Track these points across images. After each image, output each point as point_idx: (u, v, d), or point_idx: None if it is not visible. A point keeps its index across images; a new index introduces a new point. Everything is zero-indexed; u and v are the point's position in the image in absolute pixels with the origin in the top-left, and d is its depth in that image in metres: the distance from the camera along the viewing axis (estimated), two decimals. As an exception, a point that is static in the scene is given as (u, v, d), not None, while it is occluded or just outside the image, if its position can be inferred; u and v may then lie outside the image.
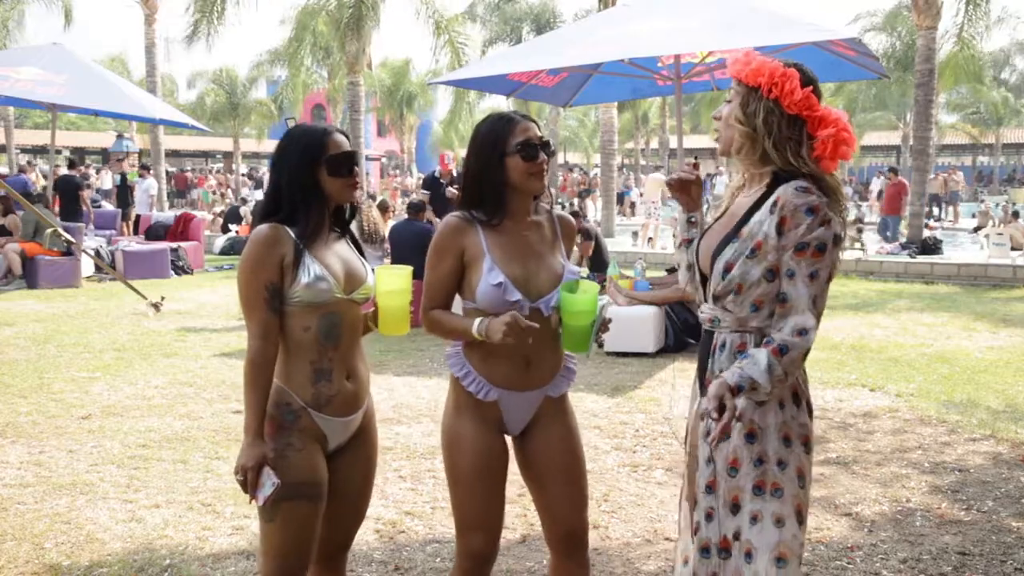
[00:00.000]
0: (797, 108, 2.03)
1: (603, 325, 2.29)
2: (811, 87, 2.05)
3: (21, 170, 22.20)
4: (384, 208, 10.19)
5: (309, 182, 2.20)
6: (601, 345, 2.36)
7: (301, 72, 27.84)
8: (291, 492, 2.13)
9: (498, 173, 2.27)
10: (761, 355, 1.98)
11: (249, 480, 2.10)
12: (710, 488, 2.12)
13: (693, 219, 2.36)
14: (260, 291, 2.14)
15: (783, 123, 2.05)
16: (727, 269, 2.06)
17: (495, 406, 2.32)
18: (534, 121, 2.33)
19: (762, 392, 1.98)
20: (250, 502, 2.13)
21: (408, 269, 2.34)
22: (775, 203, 2.01)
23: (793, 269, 2.00)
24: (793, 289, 2.00)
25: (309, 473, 2.18)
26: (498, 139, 2.26)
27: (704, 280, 2.20)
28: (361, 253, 2.39)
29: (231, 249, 16.11)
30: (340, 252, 2.29)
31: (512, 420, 2.36)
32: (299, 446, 2.18)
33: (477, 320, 2.23)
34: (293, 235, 2.17)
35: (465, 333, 2.26)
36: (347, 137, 2.28)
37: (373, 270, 2.38)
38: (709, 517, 2.12)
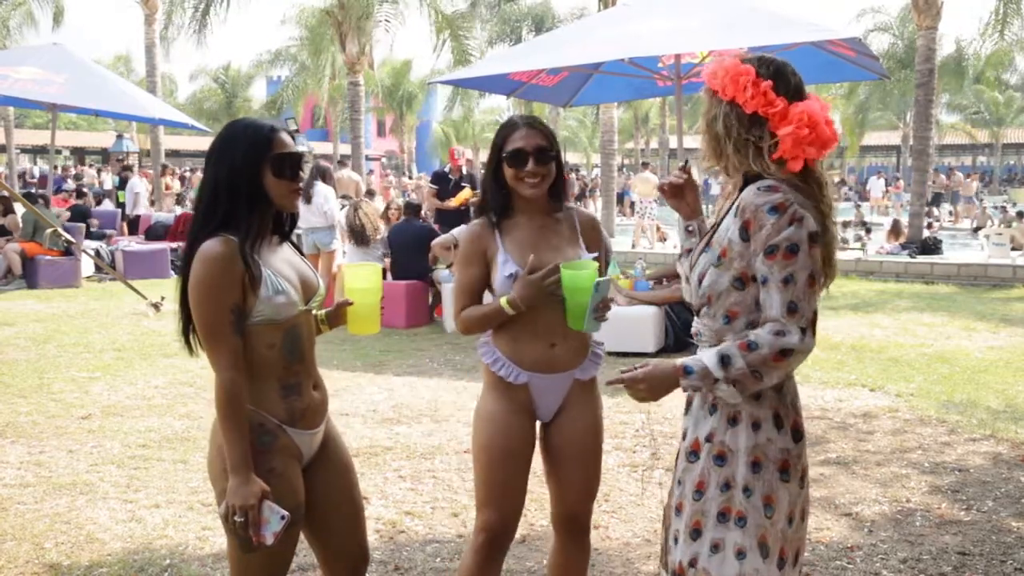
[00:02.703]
0: (753, 106, 1.89)
1: (604, 303, 2.31)
2: (771, 82, 1.89)
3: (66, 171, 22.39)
4: (399, 209, 10.16)
5: (252, 182, 2.03)
6: (599, 320, 2.38)
7: (324, 73, 27.67)
8: None
9: (499, 174, 2.42)
10: (722, 345, 1.87)
11: (251, 520, 1.93)
12: (678, 510, 2.02)
13: (691, 227, 2.24)
14: (226, 316, 1.96)
15: (742, 125, 1.91)
16: (700, 280, 1.98)
17: (525, 390, 2.42)
18: (541, 127, 2.40)
19: (721, 384, 1.83)
20: (256, 543, 1.96)
21: (376, 267, 2.34)
22: (738, 207, 1.90)
23: (765, 275, 1.84)
24: (767, 296, 1.84)
25: (294, 498, 2.05)
26: (499, 142, 2.43)
27: None
28: (303, 256, 2.26)
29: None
30: (289, 259, 2.15)
31: (543, 405, 2.45)
32: (280, 469, 2.03)
33: (502, 298, 2.34)
34: (238, 243, 1.99)
35: (496, 313, 2.36)
36: (293, 139, 2.16)
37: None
38: (675, 540, 2.02)
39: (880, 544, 3.55)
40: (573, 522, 2.51)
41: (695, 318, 2.10)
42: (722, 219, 1.98)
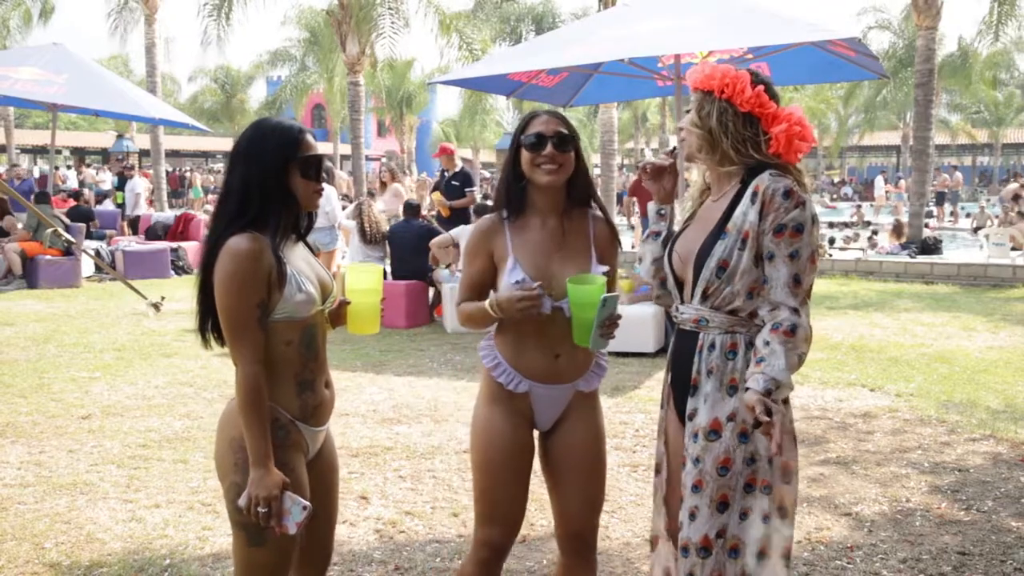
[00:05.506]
0: (749, 106, 2.11)
1: (611, 320, 2.22)
2: (763, 86, 2.14)
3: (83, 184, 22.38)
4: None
5: (281, 182, 2.06)
6: (606, 337, 2.37)
7: (336, 72, 27.62)
8: None
9: (516, 163, 2.34)
10: (777, 348, 1.99)
11: (275, 511, 1.97)
12: (696, 487, 2.13)
13: (663, 211, 2.39)
14: (252, 312, 1.99)
15: (738, 122, 2.13)
16: (722, 266, 2.09)
17: (526, 398, 2.36)
18: (562, 118, 2.35)
19: (785, 388, 1.99)
20: (278, 534, 2.01)
21: (378, 267, 2.34)
22: (755, 192, 2.08)
23: (772, 251, 2.05)
24: (773, 271, 2.05)
25: (302, 493, 2.07)
26: (517, 131, 2.35)
27: (680, 283, 2.24)
28: (316, 256, 2.30)
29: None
30: (307, 258, 2.19)
31: (542, 415, 2.39)
32: (291, 465, 2.06)
33: (489, 298, 2.31)
34: (268, 240, 2.03)
35: (481, 313, 2.33)
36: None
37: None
38: (692, 516, 2.13)
39: (880, 544, 3.55)
40: (579, 541, 2.41)
41: (690, 306, 2.18)
42: (731, 208, 2.13)
